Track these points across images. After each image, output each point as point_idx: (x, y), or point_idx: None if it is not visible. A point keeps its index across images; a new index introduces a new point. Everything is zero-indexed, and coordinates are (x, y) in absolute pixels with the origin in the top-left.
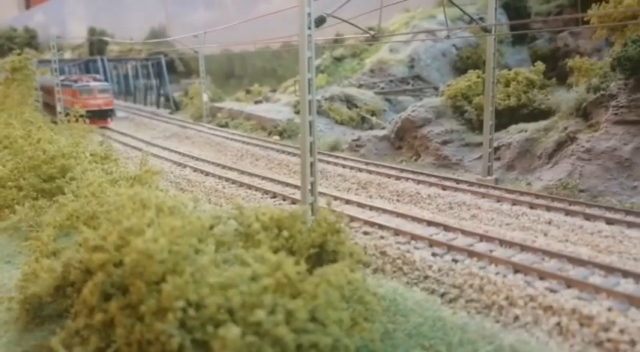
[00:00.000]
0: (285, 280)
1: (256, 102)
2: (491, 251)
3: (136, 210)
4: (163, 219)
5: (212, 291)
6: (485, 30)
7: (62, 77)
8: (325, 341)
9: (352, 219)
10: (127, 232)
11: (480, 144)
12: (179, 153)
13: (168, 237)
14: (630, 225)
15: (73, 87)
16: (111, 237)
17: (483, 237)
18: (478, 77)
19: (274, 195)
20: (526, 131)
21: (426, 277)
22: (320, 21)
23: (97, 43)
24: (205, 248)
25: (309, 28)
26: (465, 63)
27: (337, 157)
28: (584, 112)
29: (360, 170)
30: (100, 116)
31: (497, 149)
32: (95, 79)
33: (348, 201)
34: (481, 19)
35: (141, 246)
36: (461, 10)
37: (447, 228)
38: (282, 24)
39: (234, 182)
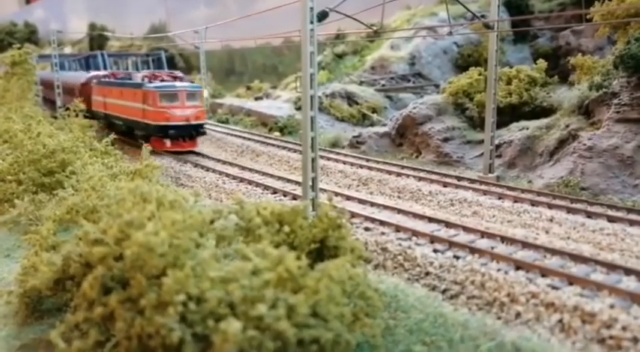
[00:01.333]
0: (286, 274)
1: (257, 99)
2: (492, 248)
3: (137, 203)
4: (164, 213)
5: (213, 285)
6: (488, 26)
7: (105, 72)
8: (327, 336)
9: (353, 215)
10: (127, 225)
11: (481, 142)
12: None
13: (169, 231)
14: (632, 222)
15: (144, 87)
16: (111, 230)
17: (485, 234)
18: (480, 74)
19: (275, 191)
20: (527, 129)
21: (427, 273)
22: (322, 15)
23: (97, 39)
24: (206, 242)
25: (312, 22)
26: (466, 60)
27: (338, 154)
28: (586, 110)
29: (361, 166)
30: (187, 134)
31: (498, 146)
32: (177, 78)
33: (348, 198)
34: (483, 16)
35: (141, 239)
36: (463, 6)
37: (448, 224)
38: (282, 20)
39: (234, 178)
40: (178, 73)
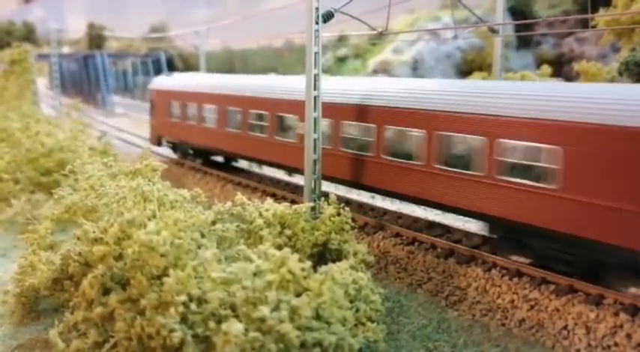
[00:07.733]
0: (289, 276)
1: None
2: (496, 254)
3: (138, 202)
4: (165, 212)
5: (215, 286)
6: (493, 30)
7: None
8: (330, 340)
9: (354, 219)
10: (128, 224)
11: None
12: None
13: (171, 230)
14: None
15: None
16: (112, 229)
17: (488, 239)
18: (483, 79)
19: (274, 194)
20: None
21: (430, 279)
22: (328, 16)
23: (95, 39)
24: (207, 243)
25: (317, 22)
26: (469, 65)
27: None
28: None
29: None
30: None
31: None
32: None
33: (349, 201)
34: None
35: (143, 238)
36: (469, 10)
37: (450, 229)
38: (284, 22)
39: (232, 180)
40: None
